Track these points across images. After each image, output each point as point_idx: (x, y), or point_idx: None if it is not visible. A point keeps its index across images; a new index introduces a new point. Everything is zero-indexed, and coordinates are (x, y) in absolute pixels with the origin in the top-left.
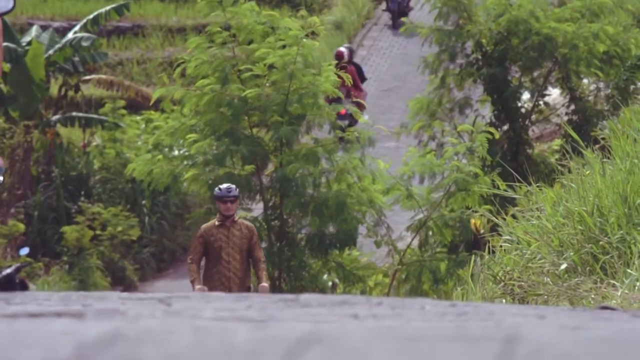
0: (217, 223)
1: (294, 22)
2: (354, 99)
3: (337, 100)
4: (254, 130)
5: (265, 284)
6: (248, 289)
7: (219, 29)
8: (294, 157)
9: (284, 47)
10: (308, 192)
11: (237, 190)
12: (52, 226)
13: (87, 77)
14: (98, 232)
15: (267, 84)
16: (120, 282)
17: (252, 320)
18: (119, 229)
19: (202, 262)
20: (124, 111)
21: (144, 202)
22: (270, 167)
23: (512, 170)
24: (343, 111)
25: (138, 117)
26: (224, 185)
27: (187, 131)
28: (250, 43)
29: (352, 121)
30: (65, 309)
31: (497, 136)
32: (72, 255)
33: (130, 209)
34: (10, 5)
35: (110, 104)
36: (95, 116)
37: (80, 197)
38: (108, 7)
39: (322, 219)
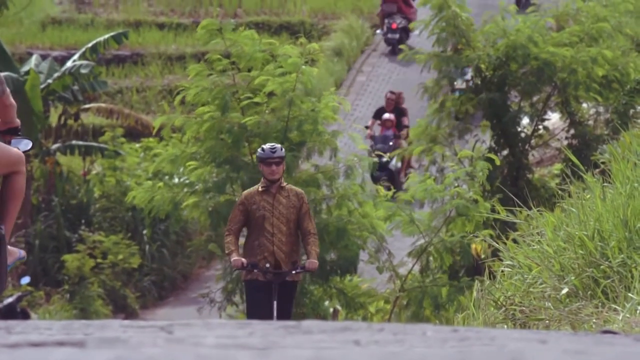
0: (260, 189)
1: (293, 49)
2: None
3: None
4: (254, 157)
5: (314, 260)
6: (294, 265)
7: (218, 56)
8: (294, 183)
9: (283, 74)
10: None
11: (284, 150)
12: (52, 255)
13: (86, 106)
14: (99, 260)
15: (267, 111)
16: (122, 310)
17: (254, 348)
18: (120, 257)
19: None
20: (123, 139)
21: (144, 230)
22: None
23: (512, 195)
24: (394, 25)
25: (137, 145)
26: (267, 145)
27: (187, 159)
28: (249, 70)
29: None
30: (66, 338)
31: (497, 163)
32: (73, 283)
33: (130, 237)
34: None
35: (109, 132)
36: (95, 144)
37: (81, 226)
38: (107, 36)
39: (323, 245)
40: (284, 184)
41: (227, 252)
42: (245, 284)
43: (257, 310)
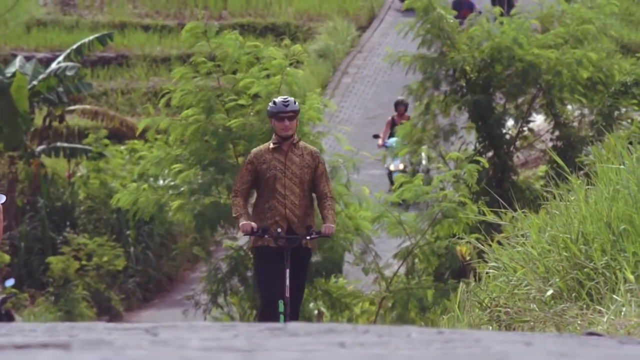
0: (271, 146)
1: (277, 51)
2: None
3: None
4: (239, 159)
5: (331, 224)
6: (308, 230)
7: (203, 59)
8: None
9: (268, 76)
10: None
11: (297, 104)
12: (37, 257)
13: (71, 108)
14: (84, 262)
15: (252, 113)
16: (106, 312)
17: (239, 350)
18: (105, 259)
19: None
20: (107, 141)
21: (129, 232)
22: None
23: (497, 197)
24: None
25: (122, 147)
26: (280, 98)
27: (172, 161)
28: (234, 72)
29: None
30: (51, 340)
31: (486, 165)
32: (58, 286)
33: (115, 239)
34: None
35: (93, 134)
36: (79, 146)
37: (66, 228)
38: (92, 37)
39: None
40: (298, 140)
41: (234, 215)
42: (255, 251)
43: (267, 280)
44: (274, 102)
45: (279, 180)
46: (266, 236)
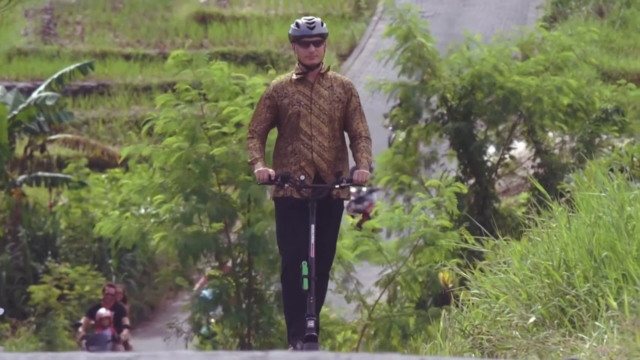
0: (294, 77)
1: (260, 79)
2: None
3: None
4: (222, 187)
5: (364, 170)
6: (338, 177)
7: (187, 86)
8: (262, 214)
9: (252, 105)
10: (275, 249)
11: (325, 26)
12: (19, 286)
13: (52, 137)
14: (65, 291)
15: (235, 142)
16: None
17: None
18: (87, 288)
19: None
20: (87, 170)
21: (111, 261)
22: (238, 224)
23: (479, 224)
24: None
25: (103, 176)
26: (303, 19)
27: (155, 189)
28: (217, 101)
29: None
30: None
31: (465, 191)
32: (39, 315)
33: (97, 268)
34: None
35: (73, 164)
36: (60, 175)
37: (47, 257)
38: (72, 66)
39: None
40: (326, 69)
41: (249, 160)
42: (276, 203)
43: (289, 237)
44: (297, 24)
45: (304, 118)
46: (287, 185)
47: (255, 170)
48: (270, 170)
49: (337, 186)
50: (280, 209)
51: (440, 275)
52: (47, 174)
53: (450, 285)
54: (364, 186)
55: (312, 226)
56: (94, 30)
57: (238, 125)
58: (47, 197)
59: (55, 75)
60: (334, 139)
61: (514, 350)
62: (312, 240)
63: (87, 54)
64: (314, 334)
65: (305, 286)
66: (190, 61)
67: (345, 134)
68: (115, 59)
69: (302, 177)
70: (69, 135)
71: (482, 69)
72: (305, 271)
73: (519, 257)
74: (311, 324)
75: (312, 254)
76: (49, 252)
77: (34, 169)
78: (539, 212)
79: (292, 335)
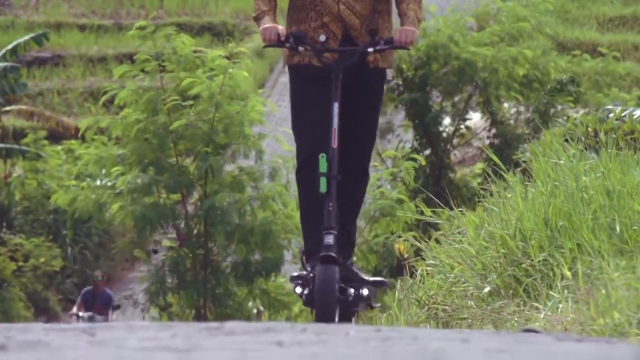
0: None
1: (219, 52)
2: None
3: None
4: (180, 159)
5: (411, 27)
6: (373, 37)
7: (148, 57)
8: (220, 185)
9: (211, 77)
10: (234, 220)
11: None
12: None
13: (7, 108)
14: (20, 263)
15: (193, 114)
16: (44, 313)
17: (177, 350)
18: (42, 259)
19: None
20: (45, 141)
21: (66, 232)
22: (195, 196)
23: (434, 195)
24: None
25: (59, 148)
26: None
27: (113, 160)
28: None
29: None
30: None
31: (423, 163)
32: None
33: (52, 239)
34: None
35: (32, 135)
36: (16, 147)
37: (2, 229)
38: (27, 37)
39: (248, 247)
40: None
41: (254, 14)
42: (290, 73)
43: (305, 120)
44: None
45: None
46: (303, 48)
47: (260, 28)
48: (280, 28)
49: (370, 49)
50: (295, 81)
51: (396, 246)
52: (1, 145)
53: (405, 256)
54: (409, 49)
55: (335, 104)
56: (48, 0)
57: (196, 97)
58: (1, 168)
59: (10, 46)
60: None
61: (469, 321)
62: (335, 124)
63: (41, 24)
64: (331, 254)
65: (323, 188)
66: (152, 33)
67: None
68: (70, 29)
69: (323, 38)
70: (24, 107)
71: (438, 39)
72: (323, 167)
73: (474, 227)
74: (329, 239)
75: (335, 143)
76: (4, 224)
77: None
78: (494, 183)
79: (308, 254)
